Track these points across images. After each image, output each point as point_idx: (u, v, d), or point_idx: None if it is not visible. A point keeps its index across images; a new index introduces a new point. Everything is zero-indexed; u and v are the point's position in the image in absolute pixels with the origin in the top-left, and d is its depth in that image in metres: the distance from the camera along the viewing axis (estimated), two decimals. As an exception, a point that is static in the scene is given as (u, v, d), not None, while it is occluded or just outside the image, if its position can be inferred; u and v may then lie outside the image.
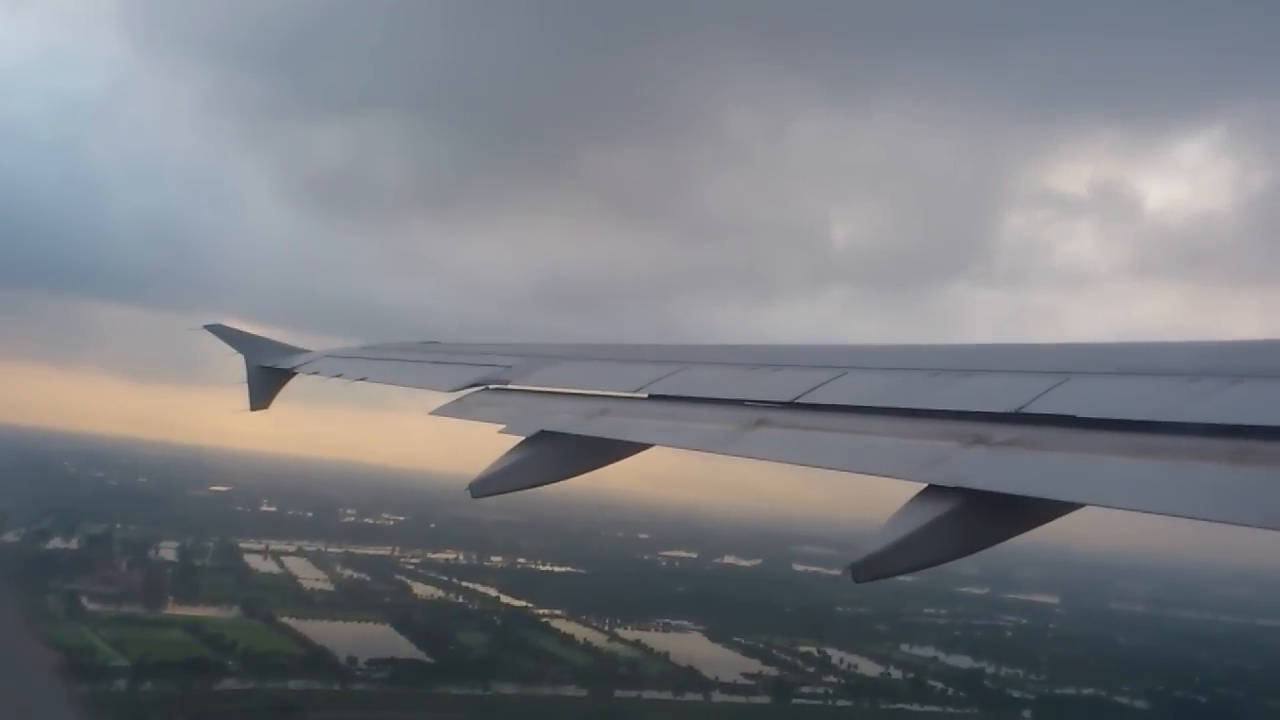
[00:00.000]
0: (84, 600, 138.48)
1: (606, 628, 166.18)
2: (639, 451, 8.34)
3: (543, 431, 8.67)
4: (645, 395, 8.75)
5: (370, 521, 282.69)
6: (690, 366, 9.15)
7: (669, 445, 7.83)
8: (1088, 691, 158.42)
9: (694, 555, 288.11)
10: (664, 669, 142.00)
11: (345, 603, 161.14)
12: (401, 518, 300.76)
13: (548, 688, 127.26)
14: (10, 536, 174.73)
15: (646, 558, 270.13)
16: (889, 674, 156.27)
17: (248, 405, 16.49)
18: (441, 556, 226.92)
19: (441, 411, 10.39)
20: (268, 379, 16.51)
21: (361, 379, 13.71)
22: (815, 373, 7.73)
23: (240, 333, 17.96)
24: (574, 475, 8.71)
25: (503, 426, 9.13)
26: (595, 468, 8.71)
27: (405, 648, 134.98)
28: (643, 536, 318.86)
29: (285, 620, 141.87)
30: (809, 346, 9.20)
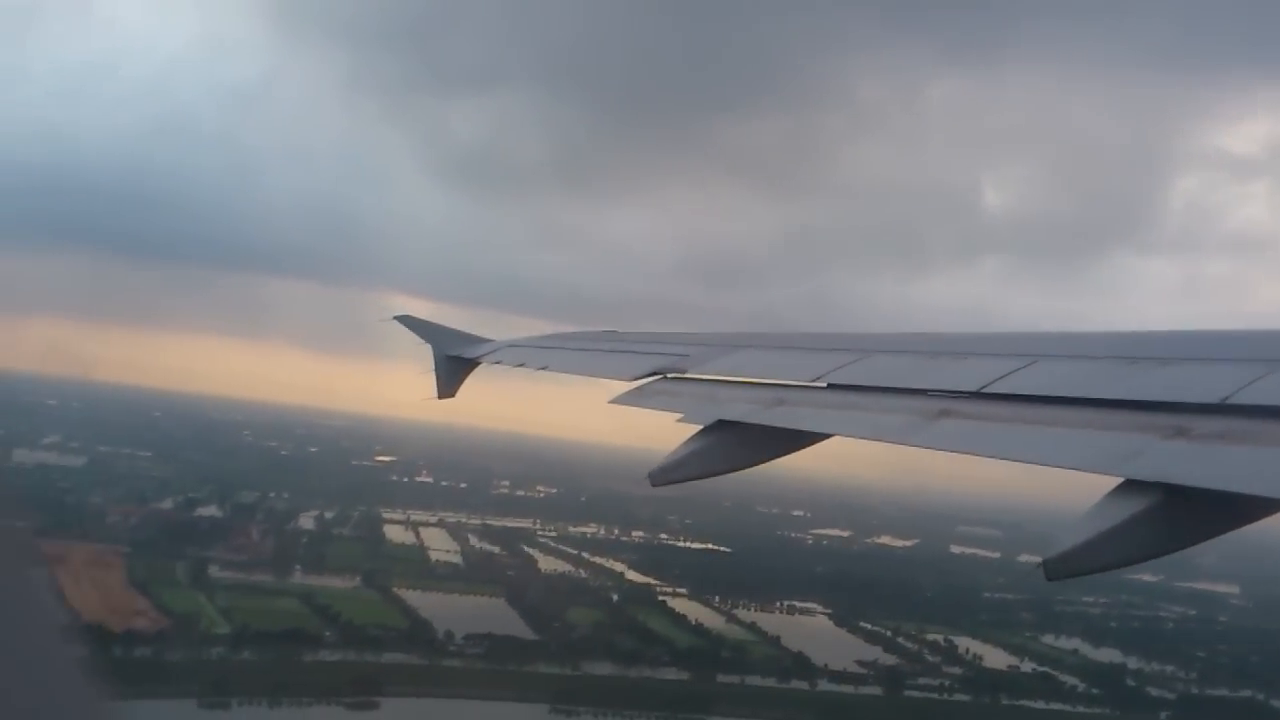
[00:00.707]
0: (212, 567, 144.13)
1: (726, 608, 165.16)
2: (818, 442, 8.40)
3: (720, 421, 8.80)
4: (824, 384, 8.79)
5: (521, 493, 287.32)
6: (870, 355, 9.16)
7: (849, 435, 7.77)
8: (1243, 694, 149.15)
9: (846, 534, 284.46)
10: (773, 654, 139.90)
11: (467, 575, 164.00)
12: (554, 490, 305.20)
13: (646, 669, 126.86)
14: (165, 504, 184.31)
15: (794, 536, 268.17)
16: (1018, 667, 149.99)
17: (435, 394, 17.24)
18: (581, 530, 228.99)
19: (620, 400, 10.69)
20: (454, 368, 17.13)
21: (543, 368, 14.19)
22: (1002, 361, 7.71)
23: (427, 323, 18.83)
24: (752, 465, 8.88)
25: (680, 415, 9.31)
26: (773, 458, 8.86)
27: (511, 623, 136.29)
28: (797, 514, 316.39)
29: (400, 592, 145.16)
30: (995, 334, 9.19)
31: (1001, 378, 7.32)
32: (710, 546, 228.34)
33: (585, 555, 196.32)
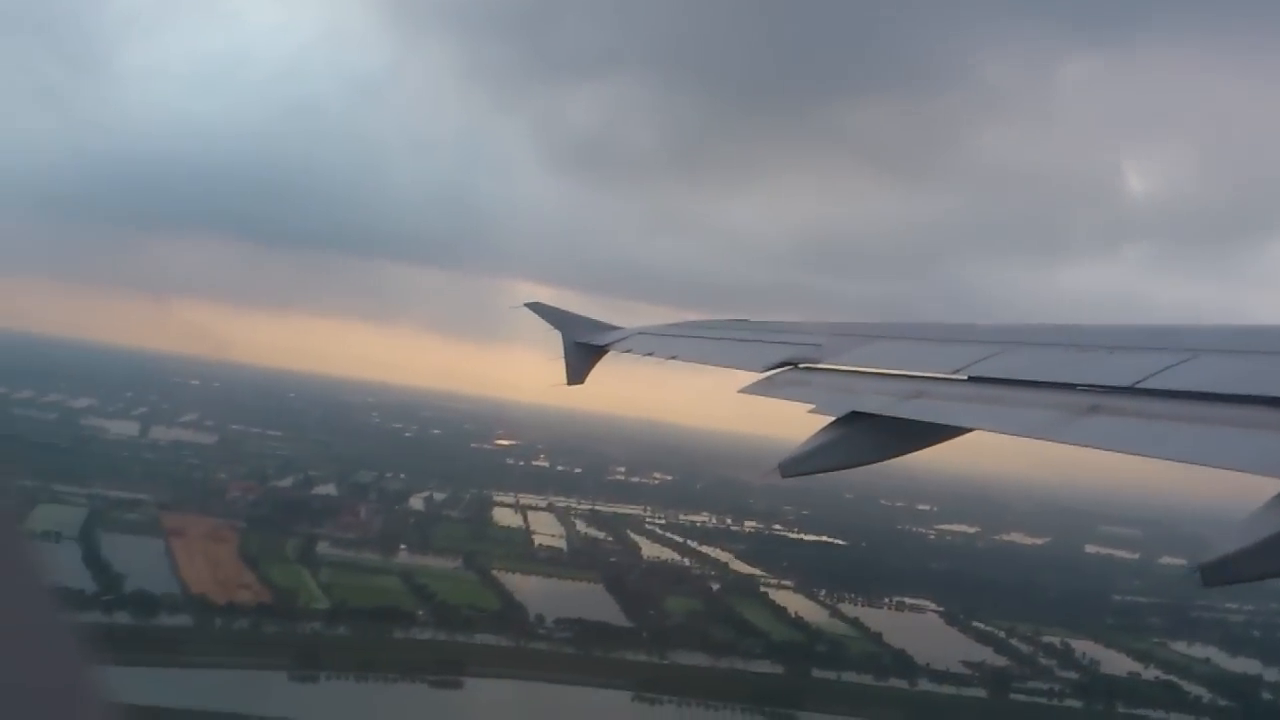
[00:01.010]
0: (321, 544, 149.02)
1: (831, 603, 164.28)
2: (957, 436, 8.23)
3: (854, 413, 8.68)
4: (965, 377, 8.57)
5: (636, 480, 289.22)
6: (1014, 347, 8.96)
7: (991, 430, 7.63)
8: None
9: (973, 530, 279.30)
10: (873, 650, 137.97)
11: (569, 560, 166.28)
12: (670, 477, 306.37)
13: (738, 661, 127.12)
14: (285, 482, 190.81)
15: (916, 530, 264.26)
16: (1139, 674, 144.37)
17: (565, 381, 17.36)
18: (693, 518, 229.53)
19: (751, 390, 10.60)
20: (584, 355, 17.25)
21: (672, 357, 14.23)
22: (1158, 355, 7.43)
23: (557, 310, 19.11)
24: (886, 458, 8.71)
25: (812, 406, 9.15)
26: (909, 451, 8.68)
27: (606, 609, 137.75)
28: (922, 508, 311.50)
29: (499, 574, 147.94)
30: (1149, 327, 8.79)
31: (1157, 373, 7.00)
32: (825, 539, 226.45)
33: (692, 544, 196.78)
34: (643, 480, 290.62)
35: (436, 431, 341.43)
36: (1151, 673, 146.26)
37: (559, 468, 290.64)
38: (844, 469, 8.76)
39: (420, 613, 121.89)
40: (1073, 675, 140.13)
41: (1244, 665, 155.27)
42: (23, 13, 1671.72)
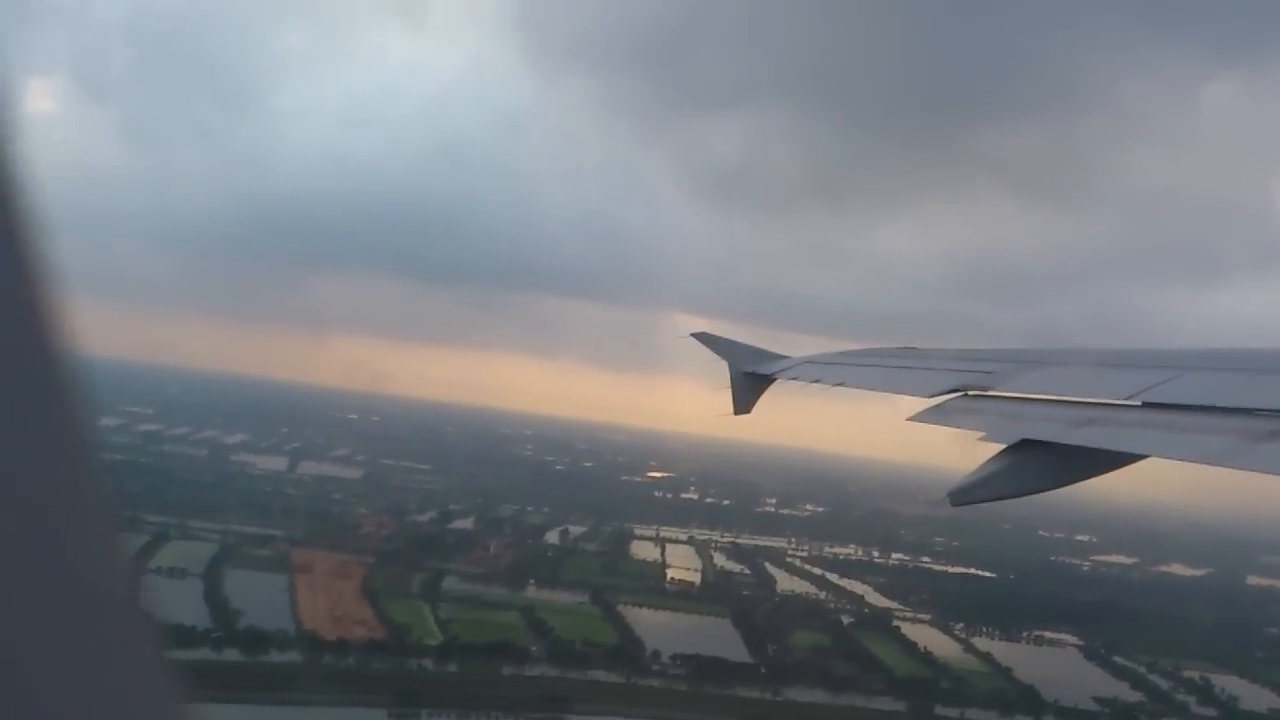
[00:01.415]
0: (450, 579, 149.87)
1: (965, 636, 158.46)
2: (1130, 463, 8.24)
3: (1025, 440, 8.69)
4: (1138, 403, 8.47)
5: (786, 512, 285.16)
6: (1188, 372, 8.82)
7: (1166, 457, 7.51)
8: None
9: (1130, 561, 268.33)
10: (1001, 686, 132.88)
11: (700, 594, 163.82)
12: (821, 509, 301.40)
13: (858, 698, 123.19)
14: (424, 517, 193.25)
15: (1071, 562, 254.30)
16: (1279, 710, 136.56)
17: (732, 410, 17.58)
18: (838, 551, 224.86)
19: (920, 418, 10.66)
20: (750, 385, 17.46)
21: (839, 384, 14.34)
22: None
23: (724, 340, 19.33)
24: (1058, 487, 8.71)
25: (983, 434, 9.22)
26: (1081, 479, 8.69)
27: (729, 644, 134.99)
28: (1081, 538, 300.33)
29: (625, 609, 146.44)
30: None
31: None
32: (972, 571, 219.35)
33: (831, 577, 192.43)
34: (793, 512, 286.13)
35: (589, 464, 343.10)
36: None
37: (708, 500, 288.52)
38: (1013, 497, 8.79)
39: (534, 649, 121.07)
40: (1210, 712, 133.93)
41: None
42: (180, 57, 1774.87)
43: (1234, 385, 8.12)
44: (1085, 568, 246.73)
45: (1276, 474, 6.25)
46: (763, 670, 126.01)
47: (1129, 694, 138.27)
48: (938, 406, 10.52)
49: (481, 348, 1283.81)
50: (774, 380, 16.83)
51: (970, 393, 10.52)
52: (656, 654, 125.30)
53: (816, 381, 14.90)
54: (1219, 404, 7.62)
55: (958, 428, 9.71)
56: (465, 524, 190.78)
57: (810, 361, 16.64)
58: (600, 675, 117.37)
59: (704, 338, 19.47)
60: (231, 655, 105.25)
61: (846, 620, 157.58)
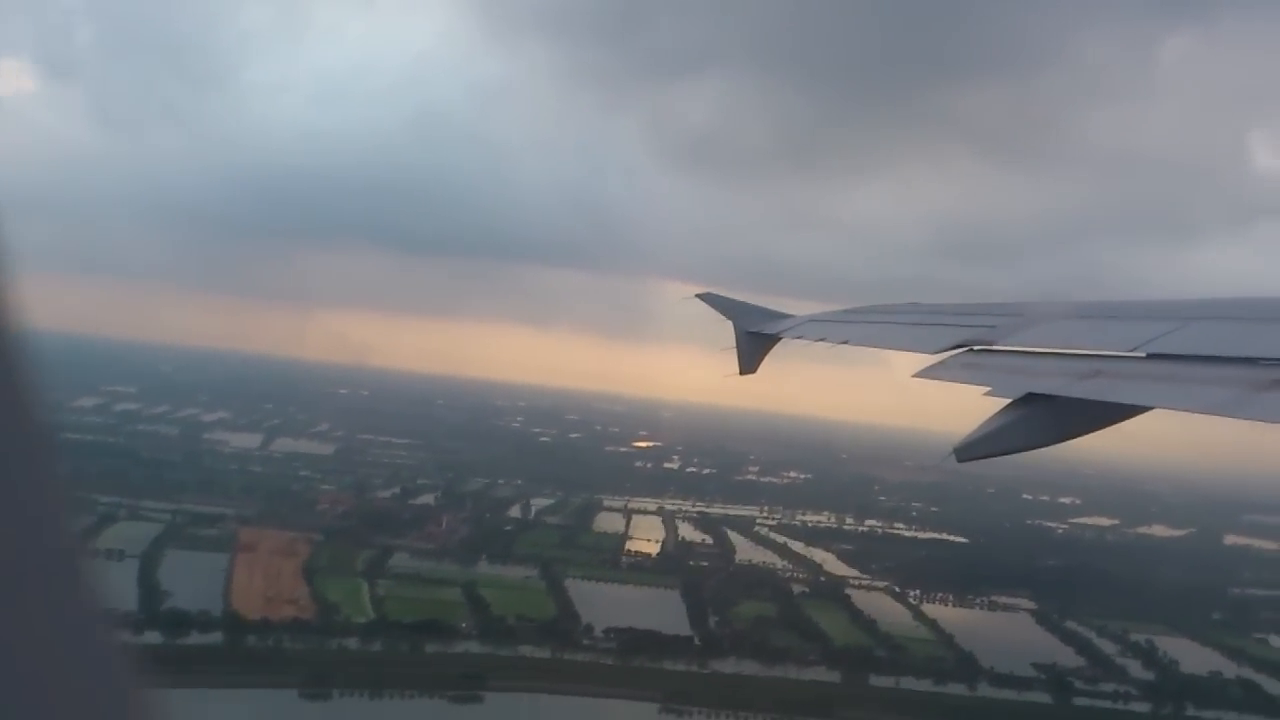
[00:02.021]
0: (400, 556, 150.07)
1: (917, 603, 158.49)
2: (1136, 415, 8.33)
3: (1030, 394, 8.72)
4: (1143, 354, 8.52)
5: (768, 480, 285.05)
6: (1191, 322, 8.86)
7: (1171, 408, 7.55)
8: None
9: (1109, 523, 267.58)
10: (941, 654, 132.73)
11: (655, 565, 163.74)
12: (805, 476, 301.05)
13: (792, 669, 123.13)
14: (386, 493, 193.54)
15: (1048, 525, 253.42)
16: (1221, 673, 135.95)
17: (737, 370, 17.68)
18: (810, 518, 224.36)
19: (924, 374, 10.67)
20: (755, 344, 17.61)
21: (844, 342, 14.39)
22: None
23: (728, 300, 19.57)
24: (1064, 440, 8.76)
25: (988, 389, 9.23)
26: (1088, 432, 8.74)
27: (670, 616, 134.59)
28: (1065, 500, 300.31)
29: (573, 583, 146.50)
30: None
31: None
32: (944, 537, 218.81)
33: (794, 545, 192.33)
34: (774, 480, 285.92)
35: (576, 435, 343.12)
36: (1241, 671, 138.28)
37: (689, 469, 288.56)
38: (1019, 452, 8.76)
39: (464, 625, 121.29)
40: (1149, 676, 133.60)
41: None
42: (142, 35, 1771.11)
43: (1236, 335, 8.22)
44: (1061, 531, 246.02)
45: (1277, 422, 6.33)
46: (697, 642, 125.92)
47: (1072, 659, 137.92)
48: (942, 362, 10.55)
49: (482, 319, 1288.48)
50: (779, 339, 16.94)
51: (975, 348, 10.57)
52: (590, 628, 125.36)
53: (821, 340, 14.91)
54: (1222, 354, 7.76)
55: (962, 383, 9.73)
56: (427, 500, 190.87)
57: (814, 320, 16.65)
58: (527, 651, 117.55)
59: (709, 298, 19.72)
60: (151, 638, 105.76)
61: (798, 590, 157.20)
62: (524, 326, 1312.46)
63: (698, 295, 20.10)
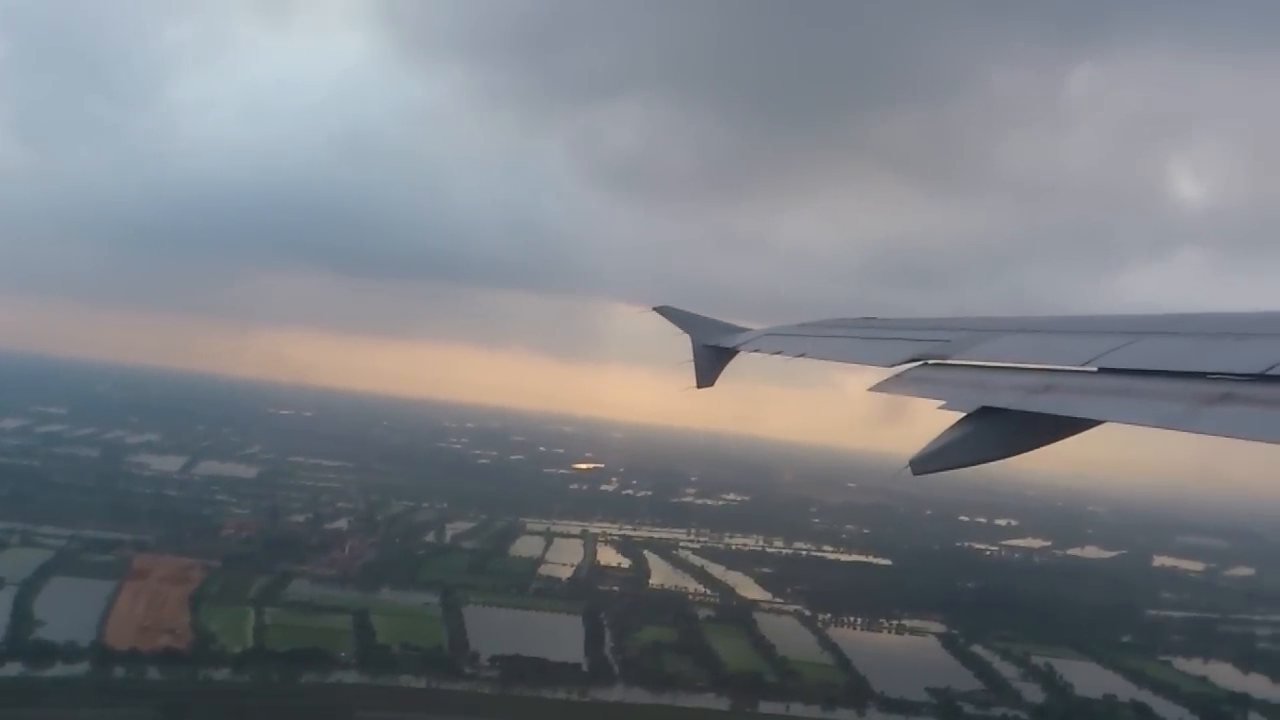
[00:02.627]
0: (299, 582, 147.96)
1: (823, 628, 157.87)
2: (1088, 428, 8.34)
3: (985, 408, 8.77)
4: (1095, 369, 8.60)
5: (704, 502, 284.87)
6: (1144, 337, 8.98)
7: (1122, 422, 7.53)
8: None
9: (1039, 545, 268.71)
10: (835, 680, 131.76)
11: (561, 591, 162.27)
12: (744, 498, 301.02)
13: (681, 696, 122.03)
14: (299, 517, 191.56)
15: (977, 547, 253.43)
16: (1115, 696, 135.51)
17: (694, 384, 17.49)
18: (738, 542, 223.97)
19: (880, 388, 10.59)
20: (712, 358, 17.46)
21: (800, 355, 14.19)
22: None
23: (685, 313, 19.38)
24: (1017, 453, 8.74)
25: (942, 402, 9.23)
26: (1040, 445, 8.73)
27: (566, 644, 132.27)
28: (1001, 522, 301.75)
29: (471, 610, 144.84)
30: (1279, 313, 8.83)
31: None
32: (869, 559, 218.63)
33: (714, 569, 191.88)
34: (709, 502, 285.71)
35: (518, 457, 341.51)
36: (1140, 694, 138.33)
37: (626, 491, 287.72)
38: (974, 464, 8.73)
39: (343, 654, 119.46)
40: (1042, 699, 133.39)
41: (1250, 683, 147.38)
42: (62, 50, 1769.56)
43: (1187, 349, 8.31)
44: (990, 553, 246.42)
45: (1226, 435, 6.40)
46: (584, 669, 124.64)
47: (969, 683, 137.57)
48: (897, 376, 10.57)
49: (436, 340, 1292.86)
50: (736, 352, 16.89)
51: (930, 361, 10.65)
52: (475, 656, 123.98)
53: (778, 353, 14.87)
54: (1173, 368, 7.83)
55: (917, 396, 9.81)
56: (340, 525, 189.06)
57: (771, 333, 16.58)
58: (406, 680, 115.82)
59: (666, 311, 19.64)
60: (10, 670, 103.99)
61: (705, 614, 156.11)
62: (480, 348, 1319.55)
63: (654, 309, 20.05)
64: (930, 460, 8.49)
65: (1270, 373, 6.84)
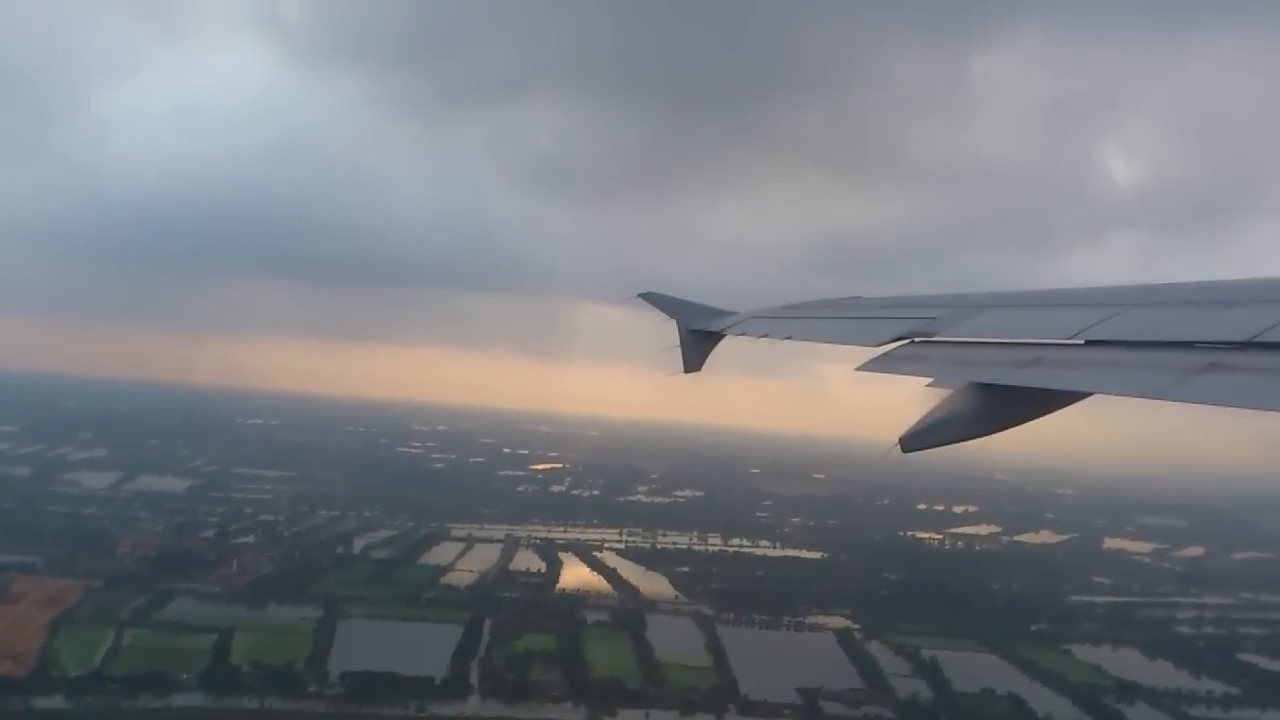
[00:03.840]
0: (178, 601, 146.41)
1: (718, 626, 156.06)
2: (1076, 401, 8.42)
3: (972, 383, 8.89)
4: (1081, 341, 8.65)
5: (653, 500, 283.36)
6: (1131, 309, 9.05)
7: (1109, 394, 7.62)
8: None
9: (987, 532, 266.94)
10: (703, 683, 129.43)
11: (458, 599, 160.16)
12: (698, 493, 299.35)
13: (532, 708, 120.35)
14: (207, 533, 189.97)
15: (922, 536, 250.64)
16: (994, 690, 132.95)
17: (682, 369, 17.44)
18: (670, 540, 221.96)
19: (868, 367, 10.56)
20: (699, 342, 17.48)
21: (787, 337, 14.21)
22: (1276, 309, 7.54)
23: (671, 299, 19.34)
24: (1007, 427, 8.82)
25: (930, 379, 9.36)
26: (1029, 419, 8.80)
27: (429, 655, 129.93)
28: (958, 509, 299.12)
29: (350, 623, 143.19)
30: (1265, 280, 8.83)
31: (1275, 325, 7.04)
32: (800, 554, 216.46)
33: (630, 570, 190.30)
34: (660, 499, 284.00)
35: (479, 460, 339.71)
36: (1027, 685, 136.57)
37: (576, 491, 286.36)
38: (963, 440, 8.82)
39: (185, 676, 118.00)
40: (916, 694, 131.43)
41: (1151, 670, 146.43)
42: None
43: (1174, 320, 8.47)
44: (932, 542, 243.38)
45: (1213, 404, 6.41)
46: (437, 683, 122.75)
47: (851, 681, 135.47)
48: (885, 355, 10.57)
49: (415, 344, 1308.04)
50: (723, 336, 16.94)
51: (917, 339, 10.69)
52: (326, 673, 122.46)
53: (765, 336, 14.91)
54: (1160, 339, 7.93)
55: (905, 374, 9.76)
56: (249, 539, 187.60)
57: (757, 316, 16.58)
58: (244, 701, 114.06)
59: (651, 297, 19.55)
60: None
61: (596, 619, 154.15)
62: (462, 350, 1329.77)
63: (640, 295, 19.90)
64: (919, 438, 8.63)
65: (1257, 340, 6.91)
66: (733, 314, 17.77)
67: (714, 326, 17.19)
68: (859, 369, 10.54)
